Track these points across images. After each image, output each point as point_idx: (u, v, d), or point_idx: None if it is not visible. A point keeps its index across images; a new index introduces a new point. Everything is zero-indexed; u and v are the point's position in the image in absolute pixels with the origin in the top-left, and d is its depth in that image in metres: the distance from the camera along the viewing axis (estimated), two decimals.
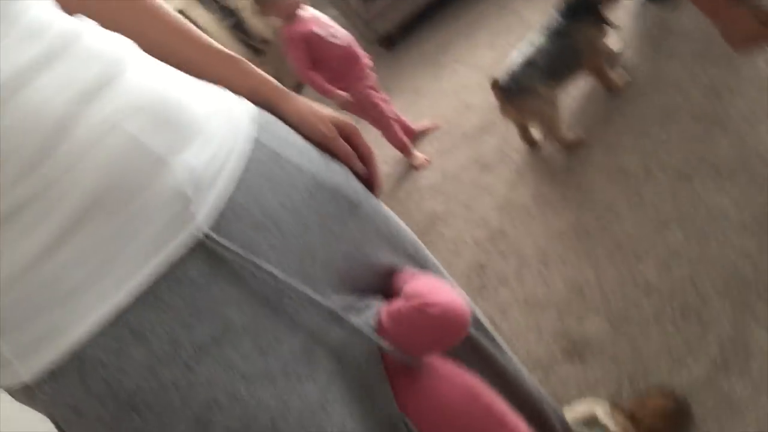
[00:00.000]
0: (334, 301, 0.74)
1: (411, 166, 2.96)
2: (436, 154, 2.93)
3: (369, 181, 0.89)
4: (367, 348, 0.75)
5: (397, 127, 2.95)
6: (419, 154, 2.96)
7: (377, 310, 0.82)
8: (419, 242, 0.95)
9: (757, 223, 1.55)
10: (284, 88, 0.86)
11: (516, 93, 2.11)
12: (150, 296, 0.58)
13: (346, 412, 0.71)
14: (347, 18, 4.24)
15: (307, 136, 0.82)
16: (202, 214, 0.62)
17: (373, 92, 2.85)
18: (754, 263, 1.47)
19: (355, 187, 0.83)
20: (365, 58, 2.83)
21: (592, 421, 1.36)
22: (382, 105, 2.88)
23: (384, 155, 3.17)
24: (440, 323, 0.80)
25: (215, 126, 0.68)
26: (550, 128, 2.20)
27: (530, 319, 1.81)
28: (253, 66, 0.85)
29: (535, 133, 2.39)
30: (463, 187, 2.56)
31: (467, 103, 3.05)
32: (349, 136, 0.87)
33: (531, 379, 1.10)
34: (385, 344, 0.76)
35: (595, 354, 1.58)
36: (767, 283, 1.42)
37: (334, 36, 2.67)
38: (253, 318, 0.64)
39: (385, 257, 0.85)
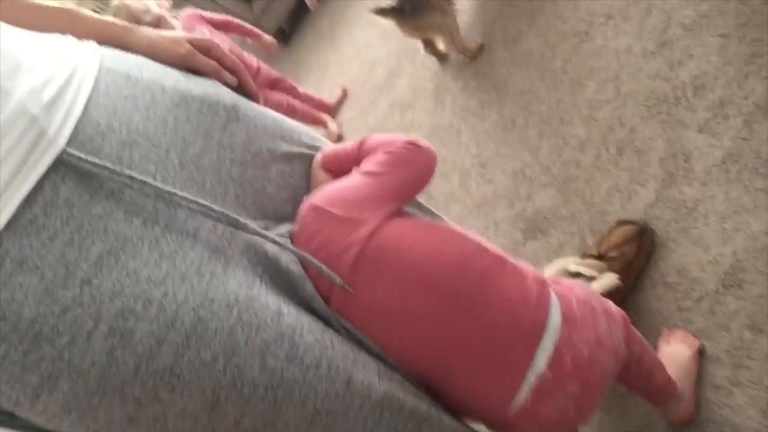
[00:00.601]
0: (232, 205, 0.72)
1: (338, 137, 2.94)
2: (357, 115, 2.90)
3: (244, 92, 0.87)
4: (277, 248, 0.72)
5: (304, 106, 2.94)
6: (332, 126, 2.95)
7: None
8: (315, 133, 0.93)
9: (658, 45, 1.56)
10: (129, 24, 0.84)
11: (411, 12, 2.09)
12: (25, 223, 0.56)
13: (277, 300, 0.68)
14: None
15: (164, 61, 0.80)
16: (56, 132, 0.60)
17: (267, 90, 2.82)
18: (667, 79, 1.48)
19: (227, 92, 0.81)
20: (249, 60, 2.76)
21: (567, 276, 1.35)
22: (284, 99, 2.85)
23: None
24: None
25: (52, 58, 0.67)
26: (452, 39, 2.19)
27: (486, 219, 1.79)
28: (90, 12, 0.83)
29: (441, 45, 2.38)
30: (390, 132, 2.53)
31: (371, 58, 3.04)
32: (208, 51, 0.85)
33: None
34: (292, 247, 0.73)
35: (552, 222, 1.57)
36: (683, 89, 1.42)
37: None
38: (146, 228, 0.62)
39: (281, 148, 0.83)
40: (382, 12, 2.12)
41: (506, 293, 0.75)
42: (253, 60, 2.75)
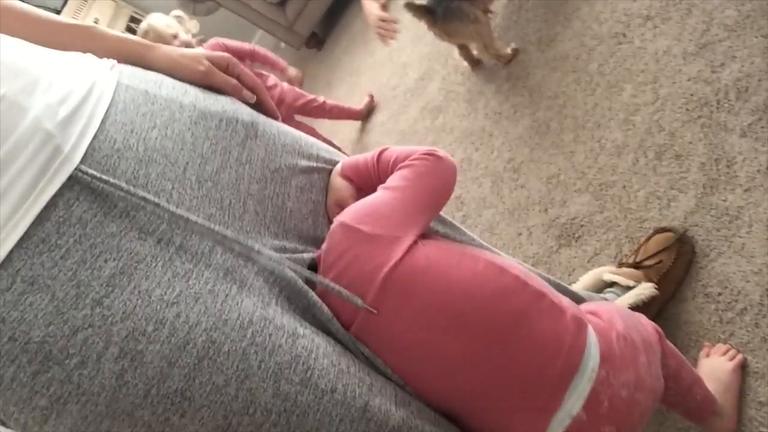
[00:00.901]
0: (251, 223, 0.72)
1: (366, 114, 3.06)
2: (388, 119, 2.89)
3: (263, 109, 0.87)
4: (291, 272, 0.70)
5: (338, 107, 2.98)
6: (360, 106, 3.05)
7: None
8: (333, 149, 0.93)
9: (699, 46, 1.50)
10: (147, 41, 0.85)
11: (443, 16, 2.04)
12: (37, 241, 0.56)
13: (293, 321, 0.66)
14: (270, 30, 4.23)
15: (183, 78, 0.80)
16: (71, 149, 0.60)
17: (293, 122, 2.83)
18: (708, 81, 1.43)
19: (245, 110, 0.81)
20: (274, 89, 2.73)
21: (602, 286, 1.31)
22: (304, 125, 2.87)
23: (340, 141, 3.13)
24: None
25: (70, 75, 0.67)
26: (486, 47, 2.16)
27: (519, 225, 1.75)
28: (108, 29, 0.84)
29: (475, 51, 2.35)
30: (422, 136, 2.51)
31: (403, 62, 3.02)
32: (227, 68, 0.85)
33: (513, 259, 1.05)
34: (307, 272, 0.72)
35: (587, 229, 1.53)
36: (726, 92, 1.37)
37: None
38: (159, 248, 0.61)
39: (300, 164, 0.82)
40: (413, 8, 2.07)
41: (540, 333, 0.71)
42: (277, 88, 2.75)
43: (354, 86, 3.47)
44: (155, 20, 2.47)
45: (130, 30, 4.54)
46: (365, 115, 3.08)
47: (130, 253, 0.59)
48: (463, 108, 2.34)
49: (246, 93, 0.84)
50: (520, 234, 1.73)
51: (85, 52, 0.76)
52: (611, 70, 1.74)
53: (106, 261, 0.57)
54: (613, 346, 0.73)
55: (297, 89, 2.85)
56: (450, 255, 0.75)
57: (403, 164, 0.81)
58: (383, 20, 2.19)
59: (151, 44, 0.83)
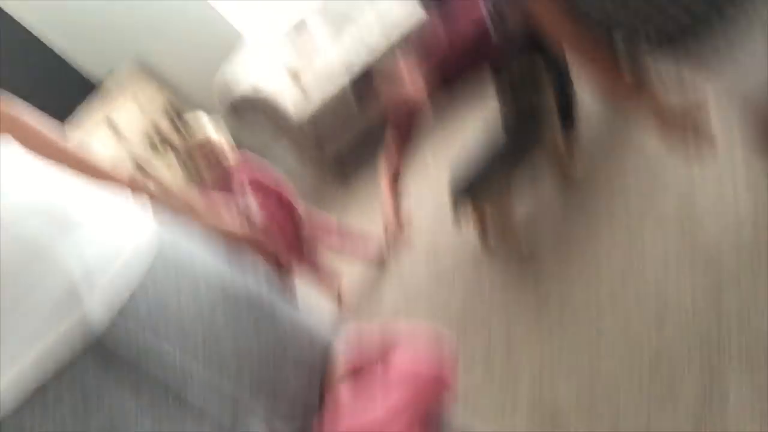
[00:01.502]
0: (245, 400, 0.75)
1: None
2: (395, 271, 2.97)
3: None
4: None
5: (355, 246, 3.04)
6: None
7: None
8: (338, 325, 0.99)
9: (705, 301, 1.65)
10: (194, 203, 0.95)
11: (470, 197, 2.17)
12: (39, 397, 0.59)
13: None
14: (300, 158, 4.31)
15: (218, 243, 0.88)
16: (95, 314, 0.64)
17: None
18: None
19: (265, 290, 0.87)
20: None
21: None
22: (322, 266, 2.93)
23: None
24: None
25: (108, 228, 0.72)
26: (505, 234, 2.29)
27: None
28: (151, 182, 0.92)
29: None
30: (424, 302, 2.61)
31: (417, 216, 3.08)
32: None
33: None
34: None
35: None
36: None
37: None
38: (153, 403, 0.66)
39: (304, 341, 0.88)
40: (457, 203, 2.21)
41: None
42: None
43: (369, 226, 3.49)
44: (213, 134, 2.55)
45: (169, 116, 4.51)
46: (379, 260, 3.12)
47: (121, 407, 0.63)
48: (469, 287, 2.44)
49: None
50: None
51: (125, 197, 0.82)
52: (622, 301, 1.87)
53: (97, 416, 0.61)
54: None
55: (318, 218, 2.91)
56: None
57: (406, 383, 0.81)
58: (390, 227, 2.18)
59: (195, 208, 0.92)
